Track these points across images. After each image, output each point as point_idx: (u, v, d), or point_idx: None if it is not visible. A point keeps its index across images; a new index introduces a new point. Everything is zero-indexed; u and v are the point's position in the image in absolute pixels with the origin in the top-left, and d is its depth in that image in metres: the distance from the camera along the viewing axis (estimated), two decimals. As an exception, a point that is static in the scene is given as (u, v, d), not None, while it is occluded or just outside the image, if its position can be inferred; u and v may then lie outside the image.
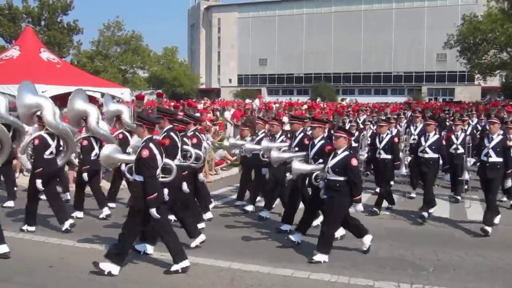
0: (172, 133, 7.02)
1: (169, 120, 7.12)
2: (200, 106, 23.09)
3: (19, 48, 16.21)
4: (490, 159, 8.30)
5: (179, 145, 7.07)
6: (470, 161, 9.93)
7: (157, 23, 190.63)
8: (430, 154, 9.37)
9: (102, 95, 18.57)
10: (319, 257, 6.58)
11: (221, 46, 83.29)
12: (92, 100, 16.63)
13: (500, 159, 8.28)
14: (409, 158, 10.88)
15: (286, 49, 76.81)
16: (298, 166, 7.18)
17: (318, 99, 41.61)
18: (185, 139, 7.75)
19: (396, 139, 9.94)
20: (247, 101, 34.30)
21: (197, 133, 8.64)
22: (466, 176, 10.35)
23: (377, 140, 9.93)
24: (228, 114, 21.49)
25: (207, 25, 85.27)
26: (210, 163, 13.68)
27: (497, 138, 8.40)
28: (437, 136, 9.60)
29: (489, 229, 7.90)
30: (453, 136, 10.86)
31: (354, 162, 6.64)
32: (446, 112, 19.74)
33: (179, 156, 7.06)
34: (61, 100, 11.62)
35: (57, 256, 6.68)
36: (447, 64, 66.51)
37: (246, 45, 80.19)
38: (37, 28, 32.76)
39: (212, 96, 56.59)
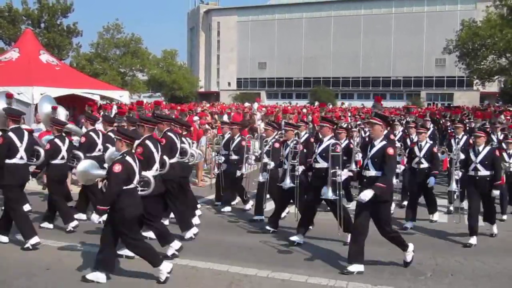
0: (10, 133, 7.13)
1: (13, 120, 7.25)
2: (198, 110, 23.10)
3: (19, 50, 16.26)
4: (422, 166, 7.61)
5: (20, 144, 7.15)
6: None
7: (156, 26, 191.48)
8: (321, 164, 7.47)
9: (101, 97, 18.61)
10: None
11: (220, 49, 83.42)
12: (91, 102, 16.73)
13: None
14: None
15: (285, 53, 76.94)
16: (83, 168, 6.19)
17: (316, 103, 41.49)
18: (57, 139, 8.05)
19: (300, 147, 8.05)
20: (246, 104, 34.24)
21: (90, 133, 8.83)
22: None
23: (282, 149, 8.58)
24: (226, 118, 21.45)
25: (206, 28, 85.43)
26: (208, 167, 13.64)
27: (426, 146, 7.51)
28: (345, 142, 8.08)
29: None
30: (416, 148, 8.77)
31: (116, 168, 5.56)
32: (447, 119, 17.66)
33: (21, 155, 7.16)
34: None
35: (54, 258, 6.65)
36: (446, 69, 66.73)
37: (246, 49, 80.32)
38: (36, 30, 32.70)
39: (211, 99, 56.52)
